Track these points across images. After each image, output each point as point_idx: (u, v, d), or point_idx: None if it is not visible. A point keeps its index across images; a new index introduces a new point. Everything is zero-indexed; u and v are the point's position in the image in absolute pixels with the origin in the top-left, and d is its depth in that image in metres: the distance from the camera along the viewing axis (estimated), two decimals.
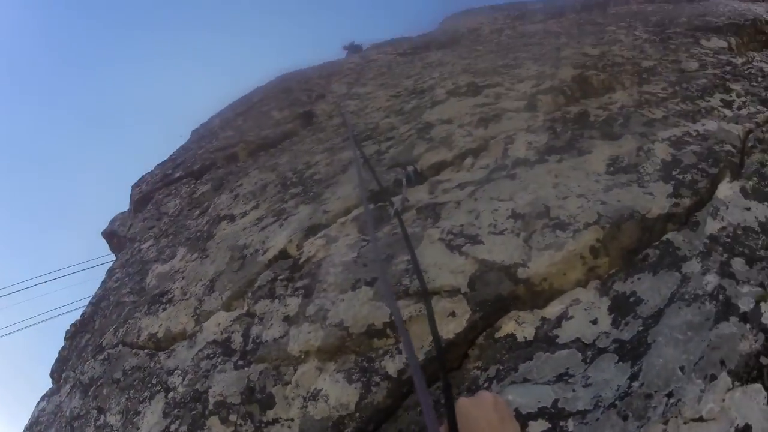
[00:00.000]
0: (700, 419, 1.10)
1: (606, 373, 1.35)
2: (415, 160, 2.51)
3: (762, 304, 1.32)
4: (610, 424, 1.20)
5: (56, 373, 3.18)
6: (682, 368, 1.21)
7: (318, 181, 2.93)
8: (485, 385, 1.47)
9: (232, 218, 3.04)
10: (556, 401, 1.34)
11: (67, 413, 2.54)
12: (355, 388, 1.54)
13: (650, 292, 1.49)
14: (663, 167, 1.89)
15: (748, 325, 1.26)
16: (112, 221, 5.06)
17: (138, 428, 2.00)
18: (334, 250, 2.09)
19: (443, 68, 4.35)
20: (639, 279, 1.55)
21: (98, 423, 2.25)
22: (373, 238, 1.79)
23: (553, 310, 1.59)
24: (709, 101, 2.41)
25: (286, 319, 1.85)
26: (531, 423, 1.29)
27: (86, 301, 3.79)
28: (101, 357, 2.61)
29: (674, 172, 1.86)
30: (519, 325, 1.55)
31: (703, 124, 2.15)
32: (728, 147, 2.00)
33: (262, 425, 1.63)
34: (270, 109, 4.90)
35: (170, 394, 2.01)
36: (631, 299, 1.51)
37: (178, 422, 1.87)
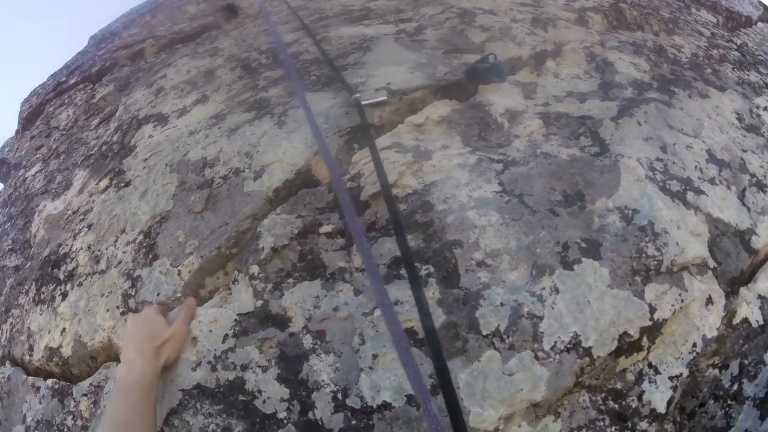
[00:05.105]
0: None
1: None
2: (481, 48, 1.78)
3: None
4: None
5: None
6: None
7: (324, 61, 1.93)
8: (733, 387, 1.12)
9: (161, 119, 1.96)
10: None
11: None
12: None
13: None
14: None
15: None
16: (2, 148, 4.15)
17: None
18: (435, 176, 1.26)
19: None
20: None
21: None
22: None
23: (763, 285, 1.24)
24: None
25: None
26: None
27: None
28: None
29: None
30: (749, 307, 1.19)
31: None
32: None
33: None
34: (183, 3, 3.76)
35: None
36: None
37: None
